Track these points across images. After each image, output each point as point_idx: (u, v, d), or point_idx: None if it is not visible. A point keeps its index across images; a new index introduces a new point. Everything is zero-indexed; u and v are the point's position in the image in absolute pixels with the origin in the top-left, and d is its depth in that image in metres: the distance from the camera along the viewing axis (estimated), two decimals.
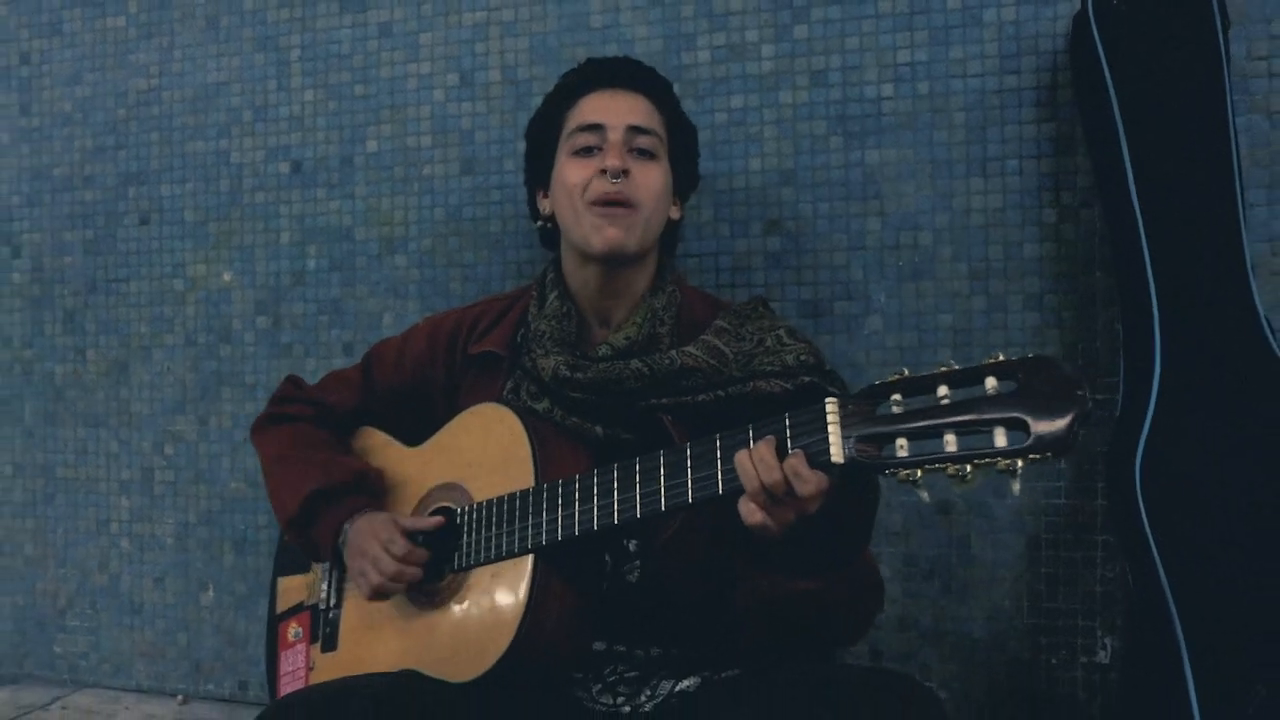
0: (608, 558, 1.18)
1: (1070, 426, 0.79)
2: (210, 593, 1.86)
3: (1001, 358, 0.84)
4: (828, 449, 0.89)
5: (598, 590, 1.17)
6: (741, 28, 1.57)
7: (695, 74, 1.58)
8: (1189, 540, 1.12)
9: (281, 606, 1.45)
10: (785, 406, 0.96)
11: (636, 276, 1.25)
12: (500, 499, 1.16)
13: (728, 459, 0.97)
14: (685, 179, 1.30)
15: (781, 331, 1.19)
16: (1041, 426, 0.80)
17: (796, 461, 0.91)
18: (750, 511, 0.94)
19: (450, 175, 1.71)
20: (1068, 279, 1.45)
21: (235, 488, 1.84)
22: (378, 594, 1.20)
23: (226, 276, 1.84)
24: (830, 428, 0.89)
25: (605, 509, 1.06)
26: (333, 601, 1.36)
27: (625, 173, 1.17)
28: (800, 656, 1.12)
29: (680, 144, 1.27)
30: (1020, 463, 0.81)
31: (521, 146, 1.63)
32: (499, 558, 1.14)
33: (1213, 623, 1.09)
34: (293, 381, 1.46)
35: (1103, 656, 1.43)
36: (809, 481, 0.90)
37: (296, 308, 1.79)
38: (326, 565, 1.38)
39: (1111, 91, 1.29)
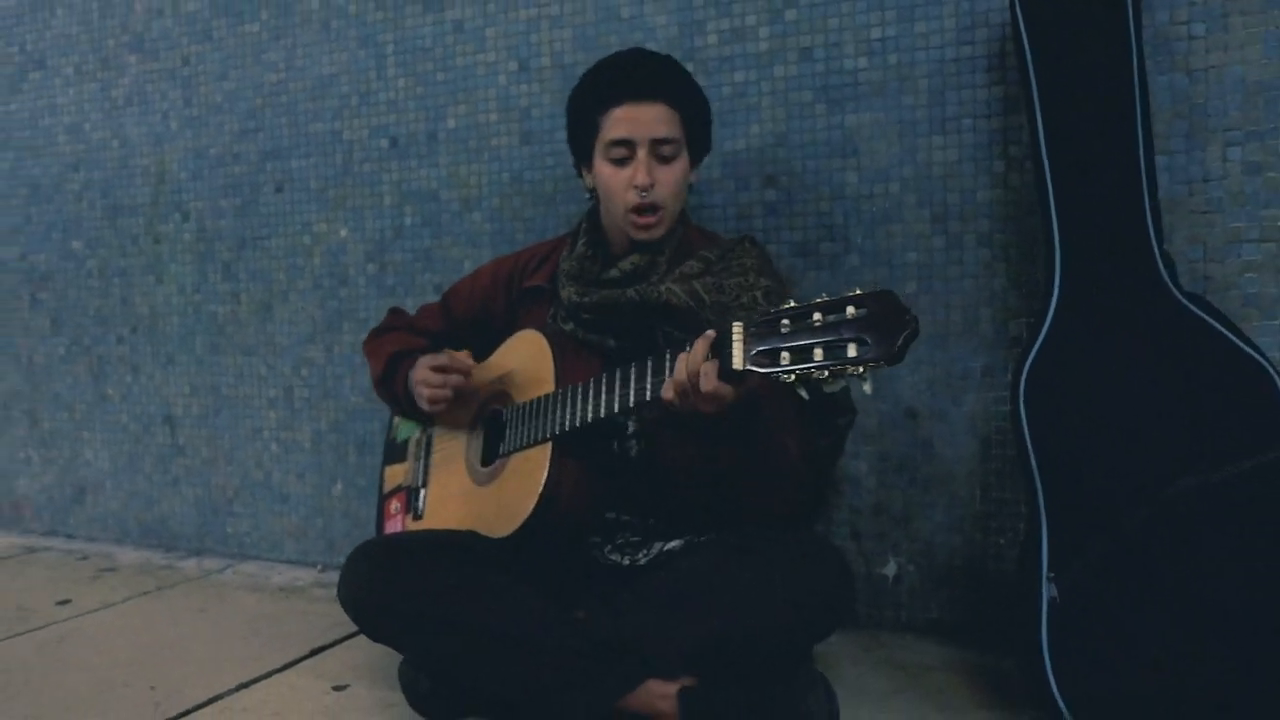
0: (615, 440, 1.54)
1: (899, 342, 1.01)
2: (339, 486, 2.34)
3: (859, 291, 1.06)
4: (731, 358, 1.16)
5: (609, 468, 1.52)
6: (743, 13, 1.85)
7: (705, 54, 1.88)
8: (1058, 439, 1.38)
9: (386, 488, 1.88)
10: None
11: (668, 236, 1.55)
12: (531, 401, 1.53)
13: (673, 368, 1.29)
14: (701, 150, 1.57)
15: (759, 293, 1.45)
16: (878, 341, 1.02)
17: (709, 366, 1.18)
18: (666, 389, 1.24)
19: (513, 145, 2.07)
20: (1014, 220, 1.69)
21: (355, 401, 2.29)
22: (435, 402, 1.62)
23: (343, 232, 2.27)
24: (735, 343, 1.15)
25: (596, 406, 1.38)
26: (421, 482, 1.77)
27: (652, 185, 1.46)
28: (760, 525, 1.45)
29: (696, 128, 1.53)
30: (863, 369, 1.03)
31: None
32: (529, 445, 1.51)
33: (1067, 508, 1.35)
34: (394, 311, 1.87)
35: None
36: (710, 381, 1.17)
37: (397, 256, 2.21)
38: (419, 452, 1.80)
39: (1029, 57, 1.52)
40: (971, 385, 1.74)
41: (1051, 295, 1.48)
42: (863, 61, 1.77)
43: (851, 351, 1.04)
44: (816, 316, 1.08)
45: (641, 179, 1.47)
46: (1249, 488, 1.33)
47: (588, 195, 1.61)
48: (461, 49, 2.10)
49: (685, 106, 1.51)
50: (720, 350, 1.19)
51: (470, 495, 1.64)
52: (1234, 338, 1.42)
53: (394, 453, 1.89)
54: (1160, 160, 1.57)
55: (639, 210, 1.49)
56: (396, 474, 1.86)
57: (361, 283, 2.26)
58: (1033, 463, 1.38)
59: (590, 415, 1.40)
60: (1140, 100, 1.50)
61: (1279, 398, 1.38)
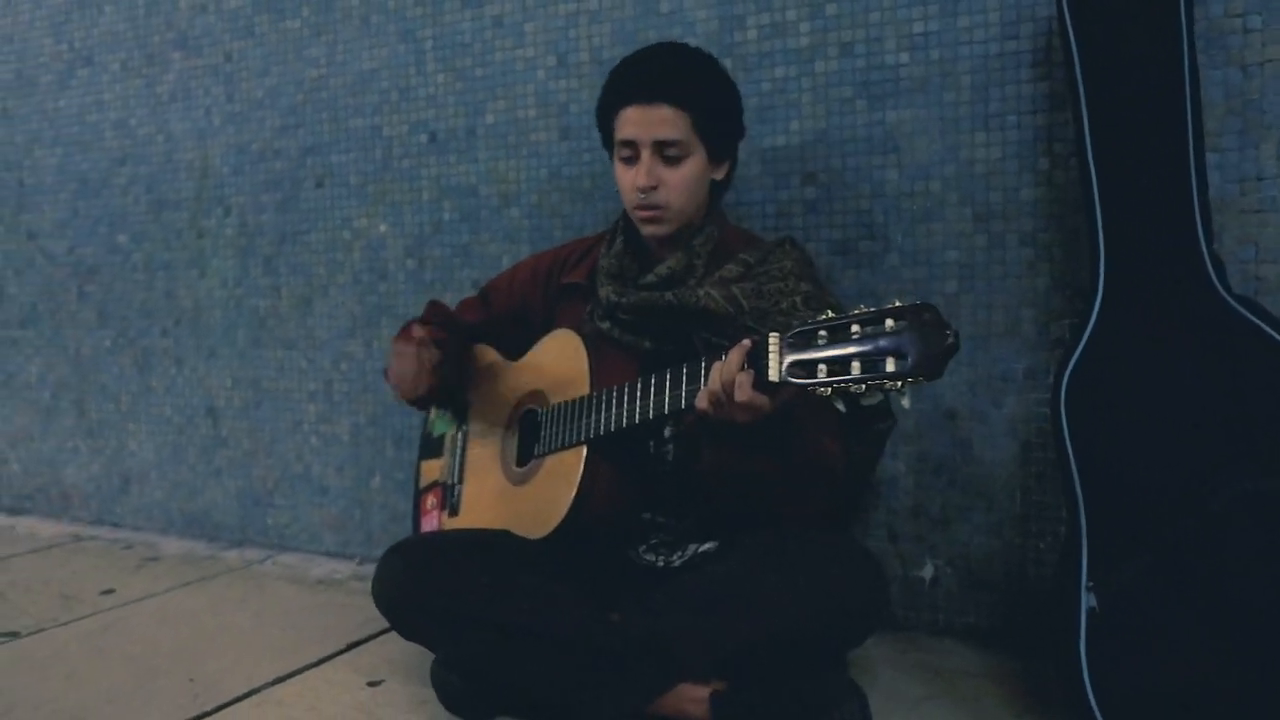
0: (651, 444, 1.54)
1: (938, 357, 1.01)
2: (377, 479, 2.36)
3: (899, 304, 1.05)
4: (767, 369, 1.15)
5: (644, 470, 1.52)
6: (783, 7, 1.83)
7: (745, 49, 1.86)
8: (1100, 445, 1.35)
9: (422, 483, 1.90)
10: None
11: (683, 232, 1.55)
12: (567, 403, 1.53)
13: (708, 376, 1.26)
14: (725, 146, 1.55)
15: (798, 299, 1.44)
16: (918, 357, 1.02)
17: (744, 377, 1.18)
18: (700, 398, 1.24)
19: (551, 141, 2.07)
20: (1058, 219, 1.66)
21: (394, 396, 2.30)
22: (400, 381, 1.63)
23: (382, 228, 2.29)
24: (771, 355, 1.15)
25: (630, 411, 1.38)
26: (457, 479, 1.78)
27: (653, 188, 1.47)
28: (794, 527, 1.43)
29: (710, 127, 1.50)
30: (901, 384, 1.03)
31: None
32: (564, 447, 1.50)
33: (1108, 515, 1.32)
34: (433, 304, 1.87)
35: None
36: (745, 392, 1.17)
37: (436, 252, 2.22)
38: (454, 448, 1.81)
39: (1075, 53, 1.48)
40: (1013, 387, 1.71)
41: (1095, 296, 1.45)
42: (904, 57, 1.75)
43: (890, 366, 1.04)
44: (855, 329, 1.08)
45: (642, 180, 1.48)
46: None
47: None
48: (500, 44, 2.10)
49: (694, 107, 1.48)
50: (756, 360, 1.18)
51: (506, 494, 1.64)
52: None
53: (430, 447, 1.90)
54: (1211, 158, 1.53)
55: (641, 209, 1.51)
56: (432, 469, 1.87)
57: (401, 278, 2.27)
58: (1073, 468, 1.35)
59: (625, 421, 1.39)
60: (1191, 95, 1.45)
61: None
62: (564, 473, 1.50)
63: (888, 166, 1.77)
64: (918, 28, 1.73)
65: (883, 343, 1.04)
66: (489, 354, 1.80)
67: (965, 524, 1.76)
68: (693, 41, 1.85)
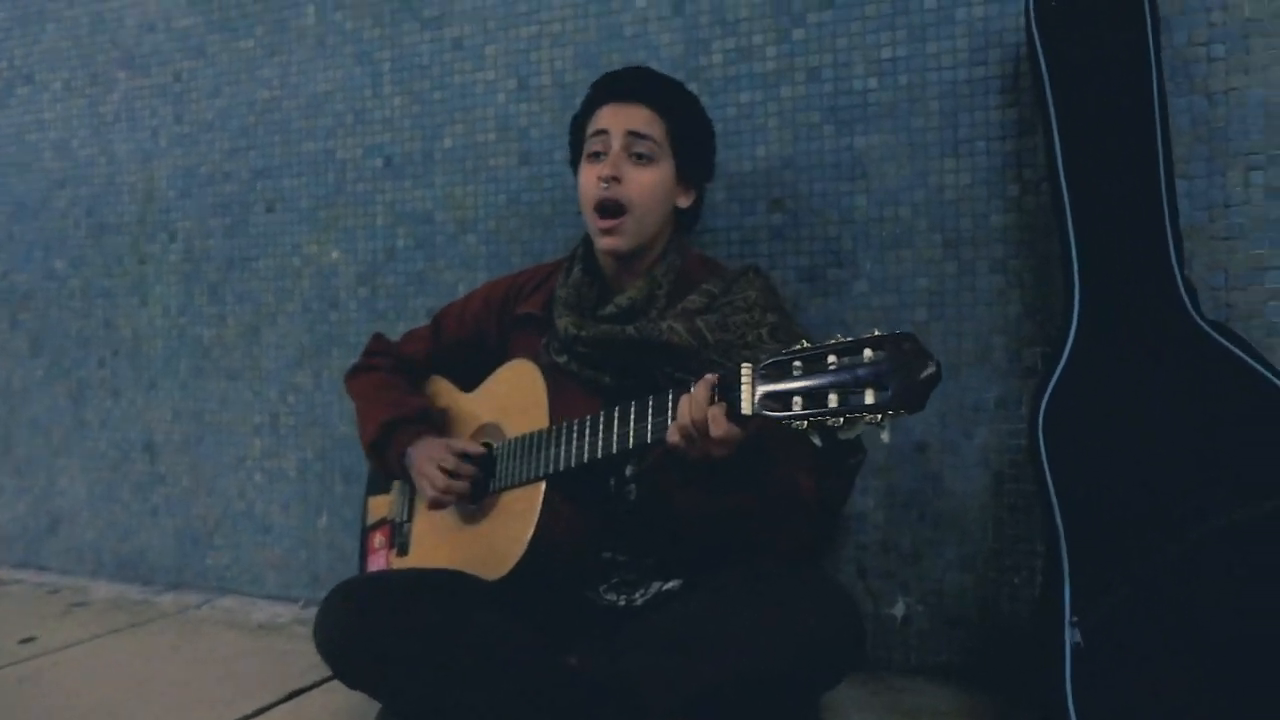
0: (612, 482, 1.46)
1: (920, 388, 0.96)
2: (324, 517, 2.25)
3: (877, 333, 1.01)
4: (739, 401, 1.10)
5: (604, 509, 1.44)
6: (749, 32, 1.81)
7: (710, 74, 1.83)
8: (1079, 474, 1.31)
9: (370, 521, 1.80)
10: None
11: (644, 257, 1.50)
12: (523, 436, 1.45)
13: (675, 409, 1.19)
14: (694, 170, 1.52)
15: (764, 330, 1.39)
16: (899, 388, 0.97)
17: (716, 410, 1.12)
18: (671, 432, 1.17)
19: (510, 166, 2.02)
20: (1028, 245, 1.63)
21: (344, 430, 2.21)
22: (435, 504, 1.52)
23: (334, 254, 2.21)
24: (744, 386, 1.10)
25: (592, 445, 1.31)
26: (406, 516, 1.69)
27: (615, 179, 1.42)
28: (764, 563, 1.36)
29: (687, 142, 1.48)
30: (881, 416, 0.98)
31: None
32: (521, 483, 1.42)
33: (1089, 547, 1.27)
34: (378, 337, 1.79)
35: None
36: (720, 425, 1.12)
37: (389, 279, 2.15)
38: (404, 486, 1.72)
39: (1046, 80, 1.47)
40: (984, 417, 1.67)
41: (1070, 323, 1.42)
42: (872, 82, 1.72)
43: (869, 398, 0.99)
44: (831, 359, 1.03)
45: (606, 170, 1.43)
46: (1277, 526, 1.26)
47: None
48: (460, 67, 2.05)
49: (671, 114, 1.47)
50: (728, 392, 1.13)
51: (458, 533, 1.55)
52: (1260, 368, 1.35)
53: (378, 482, 1.81)
54: (1180, 186, 1.51)
55: (600, 208, 1.44)
56: (380, 506, 1.78)
57: (352, 306, 2.19)
58: (1053, 498, 1.31)
59: (587, 455, 1.32)
60: (1160, 122, 1.45)
61: None
62: (521, 510, 1.42)
63: (856, 192, 1.74)
64: (885, 53, 1.72)
65: (861, 373, 0.99)
66: (440, 384, 1.73)
67: (937, 559, 1.70)
68: (657, 65, 1.81)
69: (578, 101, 1.56)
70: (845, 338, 1.03)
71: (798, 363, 1.05)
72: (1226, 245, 1.53)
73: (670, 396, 1.21)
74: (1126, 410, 1.35)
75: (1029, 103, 1.63)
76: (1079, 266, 1.43)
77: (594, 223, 1.47)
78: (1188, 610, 1.23)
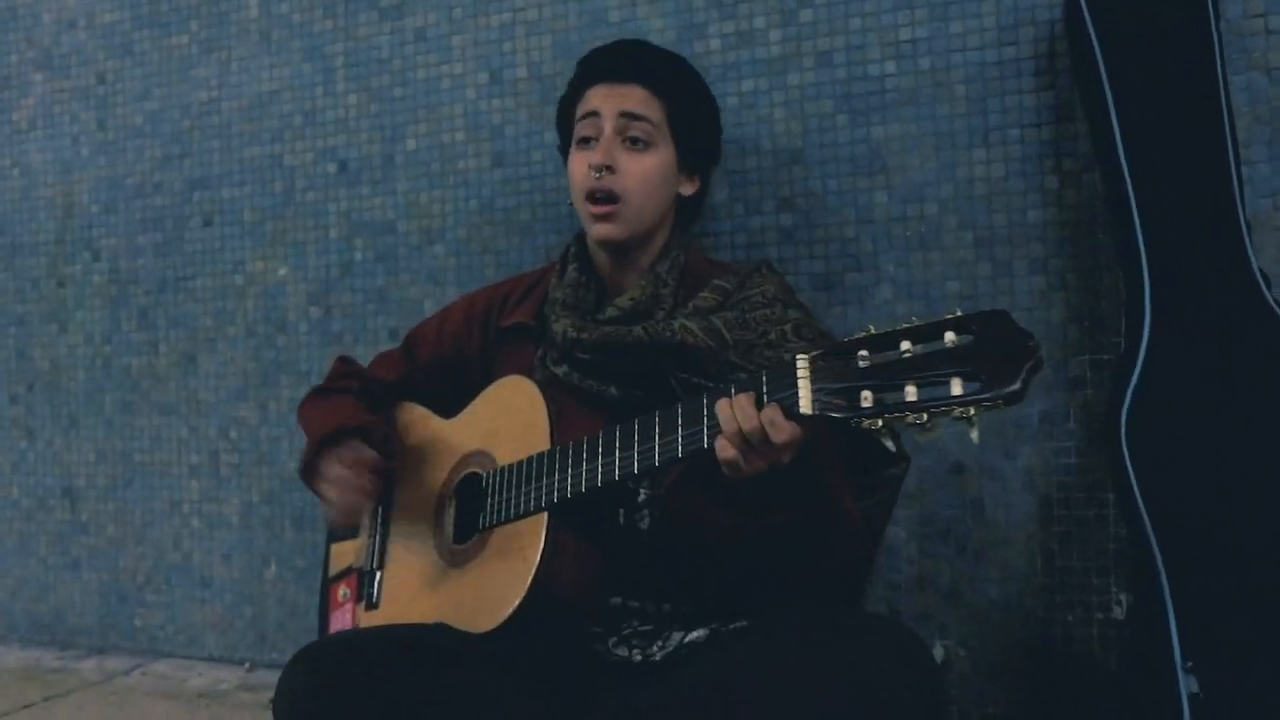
0: (621, 510, 1.26)
1: (1021, 375, 0.83)
2: (273, 568, 2.00)
3: (959, 313, 0.87)
4: (798, 401, 0.94)
5: (613, 543, 1.24)
6: (750, 15, 1.64)
7: (707, 61, 1.66)
8: (1172, 489, 1.15)
9: (333, 571, 1.57)
10: None
11: (643, 253, 1.34)
12: (519, 463, 1.25)
13: (713, 415, 1.04)
14: (697, 155, 1.37)
15: (788, 328, 1.24)
16: (994, 375, 0.83)
17: (773, 412, 0.96)
18: (723, 447, 0.99)
19: (483, 169, 1.82)
20: (1071, 243, 1.48)
21: (294, 468, 1.96)
22: (344, 514, 1.35)
23: (282, 271, 1.98)
24: (800, 382, 0.95)
25: (608, 466, 1.12)
26: (376, 563, 1.47)
27: (608, 168, 1.26)
28: (807, 606, 1.17)
29: (688, 123, 1.34)
30: (974, 410, 0.84)
31: (549, 138, 1.75)
32: (517, 516, 1.22)
33: (1194, 572, 1.11)
34: (343, 360, 1.58)
35: (1118, 613, 1.45)
36: (783, 429, 0.96)
37: (345, 297, 1.93)
38: (374, 527, 1.49)
39: (1100, 59, 1.32)
40: (1027, 435, 1.50)
41: (1143, 323, 1.26)
42: (890, 66, 1.57)
43: (956, 389, 0.85)
44: (905, 345, 0.88)
45: (597, 157, 1.27)
46: None
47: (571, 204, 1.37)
48: (423, 60, 1.85)
49: (669, 93, 1.32)
50: (779, 390, 0.97)
51: (441, 580, 1.33)
52: None
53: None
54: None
55: (592, 196, 1.28)
56: (345, 553, 1.55)
57: (303, 329, 1.96)
58: (1145, 519, 1.14)
59: (601, 478, 1.13)
60: (1226, 100, 1.31)
61: None
62: (517, 549, 1.21)
63: (875, 189, 1.58)
64: (904, 34, 1.56)
65: (943, 362, 0.86)
66: (415, 411, 1.51)
67: (980, 596, 1.53)
68: None
69: (558, 95, 1.39)
70: (919, 321, 0.88)
71: (863, 351, 0.91)
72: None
73: (705, 401, 1.04)
74: (1215, 413, 1.20)
75: (1066, 85, 1.48)
76: (1149, 262, 1.27)
77: (586, 210, 1.31)
78: None
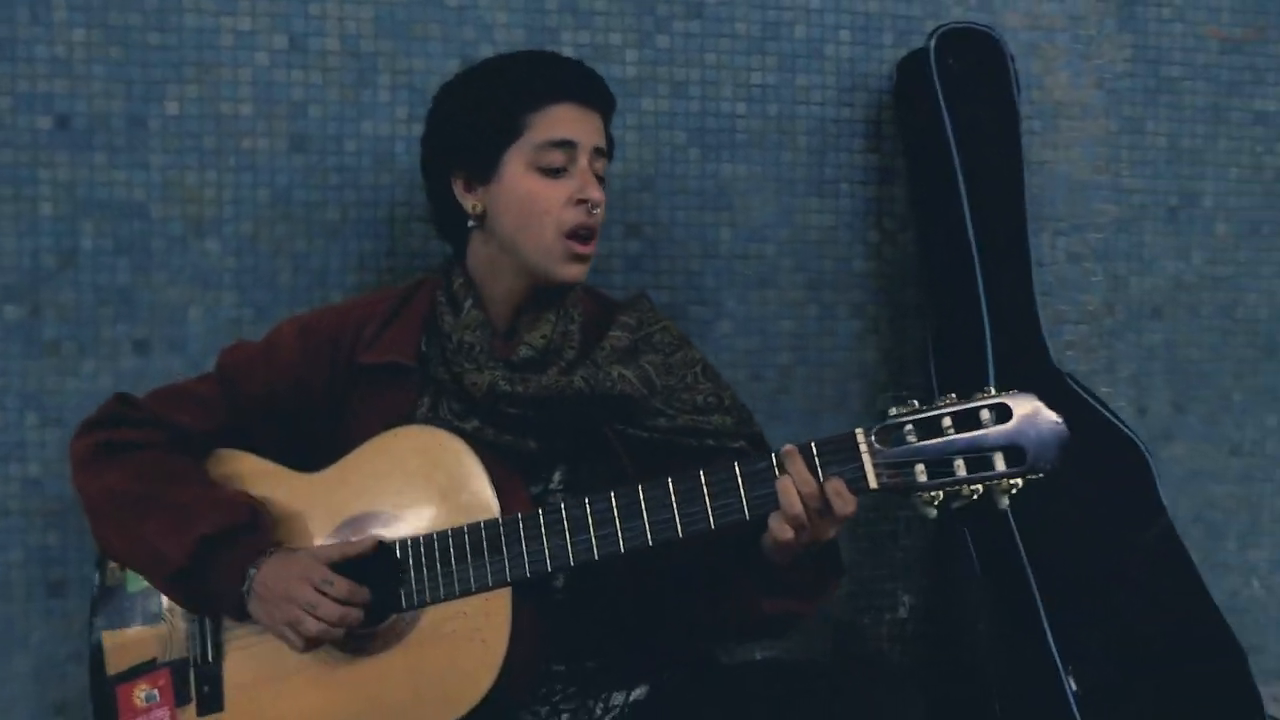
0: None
1: (1055, 448, 0.95)
2: None
3: (993, 392, 0.97)
4: (864, 475, 0.98)
5: (542, 609, 1.15)
6: (606, 29, 1.57)
7: None
8: (1040, 532, 1.40)
9: (114, 668, 1.23)
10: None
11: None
12: (460, 529, 1.10)
13: (753, 486, 1.02)
14: None
15: (698, 370, 1.26)
16: (1033, 451, 0.95)
17: (839, 484, 0.98)
18: (782, 529, 1.00)
19: (277, 151, 1.49)
20: (886, 293, 1.66)
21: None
22: (314, 645, 1.09)
23: None
24: (864, 457, 0.98)
25: (607, 538, 1.06)
26: (205, 654, 1.19)
27: (600, 205, 1.18)
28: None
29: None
30: (1020, 481, 0.96)
31: (368, 126, 1.52)
32: (466, 592, 1.09)
33: (1060, 596, 1.37)
34: (124, 401, 1.23)
35: (902, 612, 1.69)
36: (850, 502, 0.99)
37: (66, 296, 1.46)
38: (196, 616, 1.20)
39: (949, 131, 1.50)
40: None
41: (986, 373, 1.47)
42: (741, 107, 1.61)
43: (999, 464, 0.96)
44: (947, 423, 0.97)
45: (594, 191, 1.18)
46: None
47: (471, 224, 1.21)
48: (194, 3, 1.47)
49: (608, 131, 1.25)
50: (843, 463, 1.00)
51: (336, 672, 1.13)
52: (1109, 414, 1.54)
53: (119, 610, 1.25)
54: None
55: (579, 234, 1.18)
56: (131, 643, 1.23)
57: None
58: (1019, 543, 1.36)
59: (593, 553, 1.07)
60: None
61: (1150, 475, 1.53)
62: (469, 631, 1.09)
63: (721, 224, 1.62)
64: (755, 78, 1.61)
65: (987, 437, 0.96)
66: (245, 462, 1.24)
67: None
68: (489, 49, 1.50)
69: (380, 82, 1.21)
70: (957, 400, 0.98)
71: (909, 427, 0.98)
72: (1040, 301, 1.70)
73: (739, 471, 1.03)
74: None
75: (889, 151, 1.65)
76: (989, 316, 1.49)
77: (562, 247, 1.18)
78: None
